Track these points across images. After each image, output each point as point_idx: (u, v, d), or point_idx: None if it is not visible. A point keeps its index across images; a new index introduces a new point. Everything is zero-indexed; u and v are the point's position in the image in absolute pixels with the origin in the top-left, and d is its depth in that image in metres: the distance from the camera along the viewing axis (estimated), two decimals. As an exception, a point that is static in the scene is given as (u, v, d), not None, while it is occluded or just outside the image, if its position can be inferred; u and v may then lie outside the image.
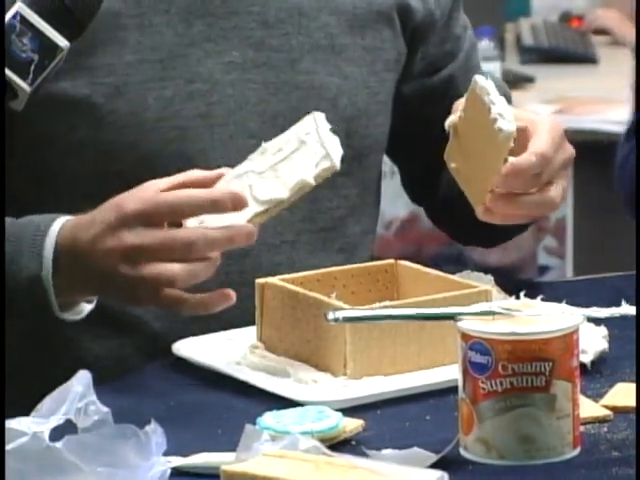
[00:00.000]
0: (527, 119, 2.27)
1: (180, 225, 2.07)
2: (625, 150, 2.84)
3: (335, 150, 2.16)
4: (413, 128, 2.57)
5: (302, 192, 2.15)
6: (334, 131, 2.18)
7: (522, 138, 2.18)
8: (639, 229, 2.33)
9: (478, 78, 2.17)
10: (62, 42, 2.01)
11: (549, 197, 2.22)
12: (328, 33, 2.37)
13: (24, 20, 1.99)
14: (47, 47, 2.01)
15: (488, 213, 2.19)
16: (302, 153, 2.14)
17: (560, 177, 2.26)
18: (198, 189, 2.06)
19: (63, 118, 2.23)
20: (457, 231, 2.83)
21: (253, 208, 2.08)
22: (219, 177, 2.08)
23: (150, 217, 2.03)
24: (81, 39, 2.15)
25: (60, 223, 2.07)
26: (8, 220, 2.09)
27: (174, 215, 2.05)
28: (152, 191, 2.04)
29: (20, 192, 2.15)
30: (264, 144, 2.13)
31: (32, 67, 1.99)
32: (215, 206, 2.05)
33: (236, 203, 2.05)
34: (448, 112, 2.41)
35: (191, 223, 2.07)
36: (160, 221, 2.04)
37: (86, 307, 2.10)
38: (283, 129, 2.22)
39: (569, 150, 2.29)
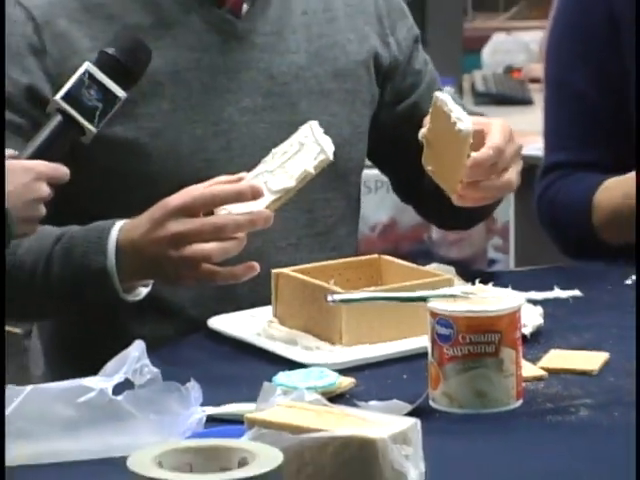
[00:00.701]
0: (482, 122, 2.27)
1: (212, 214, 2.07)
2: (540, 188, 2.82)
3: (328, 146, 2.17)
4: (393, 146, 2.56)
5: (305, 181, 2.17)
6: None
7: (480, 137, 2.19)
8: (639, 229, 2.26)
9: (438, 93, 2.20)
10: (120, 93, 2.06)
11: (507, 180, 2.23)
12: (318, 81, 2.37)
13: (91, 76, 2.04)
14: (109, 98, 2.06)
15: (461, 199, 2.21)
16: (303, 152, 2.16)
17: (514, 163, 2.27)
18: (225, 184, 2.07)
19: (117, 154, 2.22)
20: (441, 220, 2.84)
21: (268, 197, 2.09)
22: (240, 179, 2.09)
23: (189, 209, 2.03)
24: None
25: (119, 225, 2.06)
26: (75, 227, 2.10)
27: (207, 206, 2.05)
28: (189, 190, 2.04)
29: (84, 209, 2.16)
30: (273, 150, 2.15)
31: (97, 113, 2.04)
32: (239, 196, 2.05)
33: (255, 193, 2.06)
34: (419, 128, 2.39)
35: (221, 212, 2.08)
36: (197, 212, 2.04)
37: (143, 291, 2.10)
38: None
39: (517, 143, 2.29)
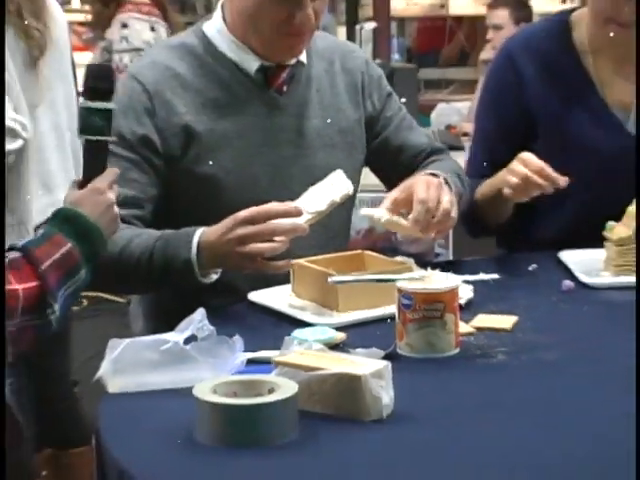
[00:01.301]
0: (408, 186, 2.18)
1: None
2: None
3: (349, 186, 2.19)
4: (382, 168, 2.52)
5: (332, 207, 2.17)
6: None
7: (411, 197, 2.14)
8: (639, 227, 2.20)
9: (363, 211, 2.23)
10: (111, 105, 1.92)
11: (444, 211, 2.12)
12: (330, 137, 2.34)
13: (87, 108, 1.93)
14: (107, 114, 1.93)
15: (426, 236, 2.19)
16: (332, 188, 2.16)
17: (442, 198, 2.14)
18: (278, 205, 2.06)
19: (202, 186, 2.22)
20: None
21: (306, 216, 2.08)
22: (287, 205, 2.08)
23: (252, 219, 2.01)
24: (207, 146, 2.20)
25: (200, 230, 2.06)
26: (170, 231, 2.10)
27: (265, 219, 2.02)
28: (252, 208, 2.03)
29: (176, 219, 2.15)
30: (310, 188, 2.15)
31: (105, 127, 1.93)
32: (286, 213, 2.04)
33: (297, 212, 2.05)
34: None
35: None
36: (258, 221, 2.01)
37: (213, 276, 2.08)
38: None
39: (436, 183, 2.17)
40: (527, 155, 2.32)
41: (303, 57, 2.28)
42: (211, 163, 2.21)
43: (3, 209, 1.84)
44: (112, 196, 1.93)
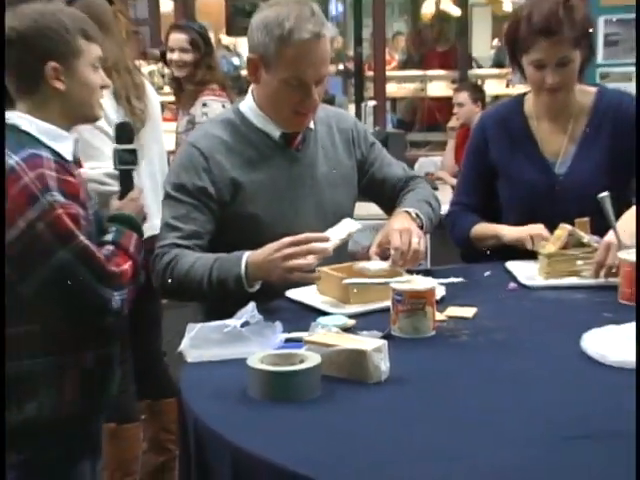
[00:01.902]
0: (386, 234, 2.14)
1: None
2: (448, 213, 2.64)
3: (356, 225, 2.15)
4: (373, 195, 2.46)
5: (349, 236, 2.14)
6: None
7: (389, 241, 2.11)
8: (639, 232, 2.15)
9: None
10: (133, 146, 2.21)
11: (414, 250, 2.08)
12: (334, 180, 2.29)
13: (121, 150, 2.20)
14: (133, 153, 2.21)
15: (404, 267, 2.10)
16: (345, 228, 2.12)
17: (413, 239, 2.09)
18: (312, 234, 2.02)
19: (246, 222, 2.17)
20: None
21: (332, 243, 2.04)
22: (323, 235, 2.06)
23: (293, 243, 1.97)
24: (248, 193, 2.17)
25: (248, 253, 2.02)
26: (224, 254, 2.05)
27: (303, 243, 1.98)
28: (292, 236, 1.99)
29: (228, 247, 2.08)
30: (330, 229, 2.10)
31: (132, 159, 2.20)
32: (318, 239, 2.00)
33: (325, 238, 2.02)
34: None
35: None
36: (298, 245, 1.97)
37: (256, 286, 2.02)
38: (325, 219, 2.20)
39: (407, 230, 2.11)
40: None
41: (311, 124, 2.25)
42: (251, 205, 2.16)
43: (3, 210, 1.80)
44: (140, 204, 2.15)
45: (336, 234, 2.10)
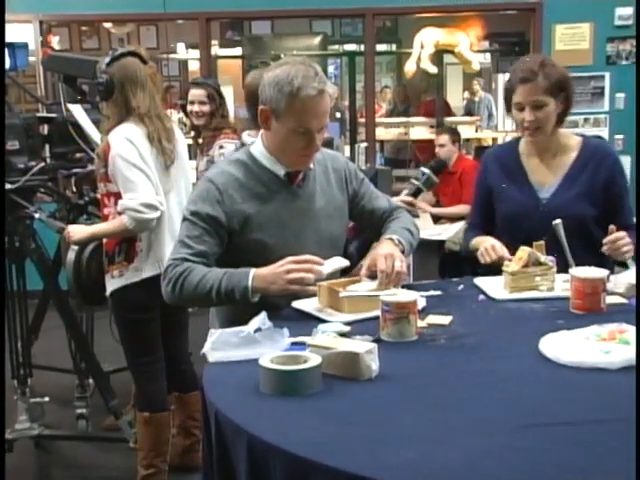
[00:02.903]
0: (373, 258, 2.12)
1: None
2: (466, 237, 2.68)
3: (345, 262, 2.13)
4: (364, 224, 2.43)
5: (340, 268, 2.13)
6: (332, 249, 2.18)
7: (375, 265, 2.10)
8: (639, 233, 2.22)
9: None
10: None
11: (397, 272, 2.06)
12: (330, 212, 2.26)
13: None
14: None
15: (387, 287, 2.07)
16: (337, 261, 2.11)
17: (396, 262, 2.07)
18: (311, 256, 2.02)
19: (253, 247, 2.14)
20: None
21: (327, 269, 2.03)
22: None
23: (295, 261, 1.97)
24: (256, 223, 2.13)
25: (255, 269, 2.01)
26: (232, 269, 2.03)
27: (303, 262, 1.98)
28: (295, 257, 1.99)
29: (236, 265, 2.06)
30: (326, 261, 2.06)
31: None
32: (315, 262, 2.00)
33: (321, 263, 2.01)
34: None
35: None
36: (300, 263, 1.97)
37: (258, 296, 2.01)
38: (321, 245, 2.18)
39: (392, 253, 2.10)
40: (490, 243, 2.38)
41: (311, 164, 2.24)
42: (258, 233, 2.14)
43: (3, 213, 1.78)
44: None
45: (331, 264, 2.08)
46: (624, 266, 2.41)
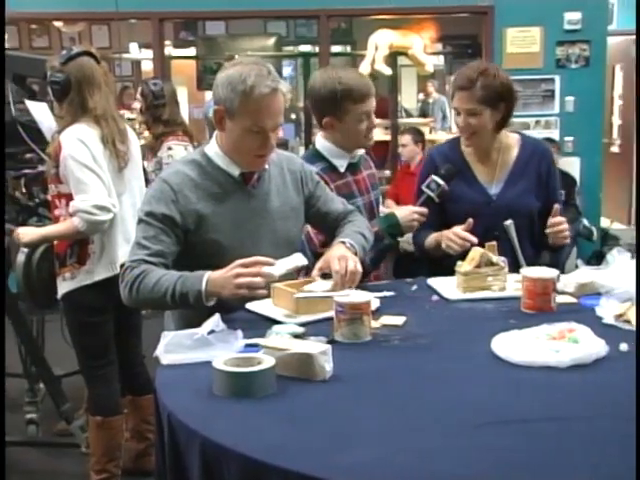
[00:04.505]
0: (326, 259, 2.12)
1: None
2: (417, 238, 2.69)
3: (304, 260, 2.11)
4: (319, 226, 2.43)
5: (295, 268, 2.10)
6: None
7: (329, 266, 2.09)
8: (639, 233, 2.28)
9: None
10: None
11: (353, 275, 2.05)
12: (285, 212, 2.26)
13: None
14: None
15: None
16: (293, 260, 2.08)
17: (349, 263, 2.07)
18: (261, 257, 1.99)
19: (208, 247, 2.12)
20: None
21: (279, 271, 2.00)
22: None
23: (245, 264, 1.95)
24: (211, 222, 2.12)
25: (209, 272, 1.98)
26: (187, 272, 2.01)
27: (252, 265, 1.96)
28: (245, 259, 1.96)
29: (191, 267, 2.04)
30: (279, 260, 2.03)
31: None
32: (265, 263, 1.97)
33: (270, 262, 1.98)
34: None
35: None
36: (250, 266, 1.95)
37: (212, 302, 1.98)
38: (277, 245, 2.17)
39: (344, 257, 2.09)
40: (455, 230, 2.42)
41: (266, 165, 2.23)
42: (214, 233, 2.13)
43: (3, 212, 1.77)
44: None
45: (284, 264, 2.06)
46: (554, 251, 2.54)
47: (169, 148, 4.18)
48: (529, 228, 2.51)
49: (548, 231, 2.42)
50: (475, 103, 2.47)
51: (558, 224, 2.42)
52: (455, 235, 2.37)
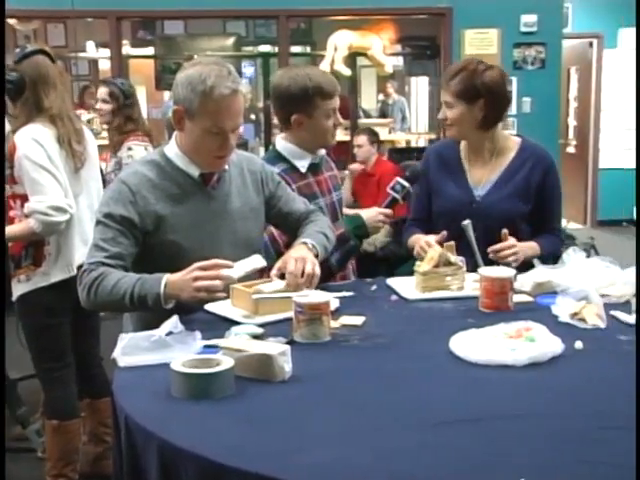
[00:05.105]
0: (285, 260, 2.10)
1: None
2: (405, 235, 2.70)
3: (263, 262, 2.09)
4: (281, 226, 2.42)
5: (254, 270, 2.07)
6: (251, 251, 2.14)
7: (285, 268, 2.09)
8: (639, 231, 2.27)
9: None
10: None
11: (309, 277, 2.04)
12: (245, 213, 2.25)
13: None
14: None
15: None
16: (252, 262, 2.07)
17: (306, 266, 2.06)
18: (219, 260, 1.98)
19: (167, 248, 2.11)
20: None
21: (239, 273, 2.00)
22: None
23: (203, 267, 1.94)
24: (170, 223, 2.10)
25: (167, 274, 1.97)
26: (146, 275, 1.99)
27: (211, 268, 1.95)
28: (204, 261, 1.95)
29: (151, 269, 2.02)
30: (238, 263, 2.02)
31: None
32: (224, 265, 1.97)
33: (228, 265, 1.98)
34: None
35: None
36: (208, 269, 1.94)
37: (171, 304, 1.96)
38: (237, 246, 2.15)
39: (304, 255, 2.09)
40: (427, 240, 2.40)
41: (226, 166, 2.22)
42: (173, 234, 2.11)
43: (3, 211, 1.76)
44: None
45: (243, 266, 2.05)
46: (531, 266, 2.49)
47: (129, 148, 4.14)
48: (512, 233, 2.44)
49: (491, 256, 2.38)
50: (450, 96, 2.52)
51: (499, 250, 2.38)
52: (426, 244, 2.37)
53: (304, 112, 2.50)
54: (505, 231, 2.40)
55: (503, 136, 2.66)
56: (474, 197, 2.59)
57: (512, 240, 2.40)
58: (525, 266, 2.42)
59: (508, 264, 2.32)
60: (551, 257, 2.58)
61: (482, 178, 2.61)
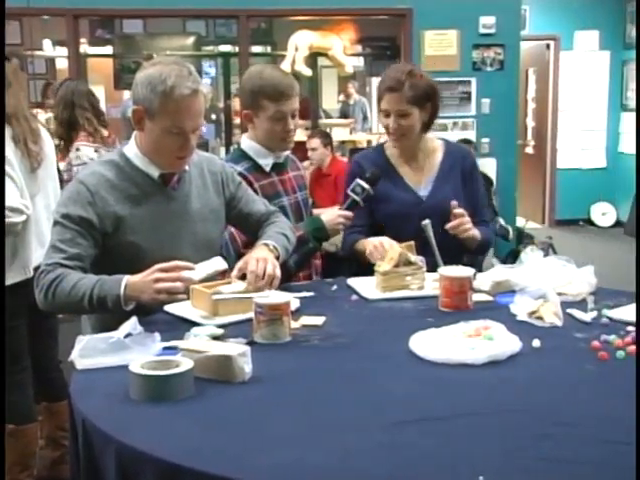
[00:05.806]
0: (246, 260, 2.09)
1: None
2: (347, 241, 2.66)
3: (224, 264, 2.09)
4: (241, 227, 2.41)
5: (216, 273, 2.07)
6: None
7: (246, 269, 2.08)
8: (639, 233, 2.27)
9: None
10: None
11: (270, 277, 2.03)
12: (205, 214, 2.24)
13: None
14: None
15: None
16: (213, 264, 2.07)
17: (268, 266, 2.06)
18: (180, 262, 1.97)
19: (128, 249, 2.09)
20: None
21: (200, 275, 2.00)
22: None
23: (164, 269, 1.93)
24: (129, 224, 2.08)
25: (128, 276, 1.95)
26: (106, 276, 1.97)
27: (172, 270, 1.94)
28: (165, 263, 1.94)
29: (110, 270, 2.00)
30: (198, 264, 2.02)
31: None
32: (185, 267, 1.96)
33: (190, 267, 1.97)
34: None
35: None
36: (169, 271, 1.93)
37: (131, 306, 1.95)
38: (197, 248, 2.15)
39: (263, 259, 2.08)
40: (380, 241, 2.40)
41: (186, 166, 2.21)
42: (132, 235, 2.10)
43: (3, 211, 1.74)
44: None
45: (205, 268, 2.04)
46: (472, 253, 2.60)
47: (77, 149, 4.15)
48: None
49: (449, 230, 2.46)
50: (405, 104, 2.51)
51: (459, 225, 2.46)
52: (380, 244, 2.38)
53: (251, 109, 2.51)
54: (455, 202, 2.48)
55: (428, 137, 2.70)
56: (419, 197, 2.62)
57: (461, 210, 2.48)
58: (477, 266, 2.49)
59: (465, 235, 2.46)
60: (488, 244, 2.69)
61: (420, 179, 2.65)
